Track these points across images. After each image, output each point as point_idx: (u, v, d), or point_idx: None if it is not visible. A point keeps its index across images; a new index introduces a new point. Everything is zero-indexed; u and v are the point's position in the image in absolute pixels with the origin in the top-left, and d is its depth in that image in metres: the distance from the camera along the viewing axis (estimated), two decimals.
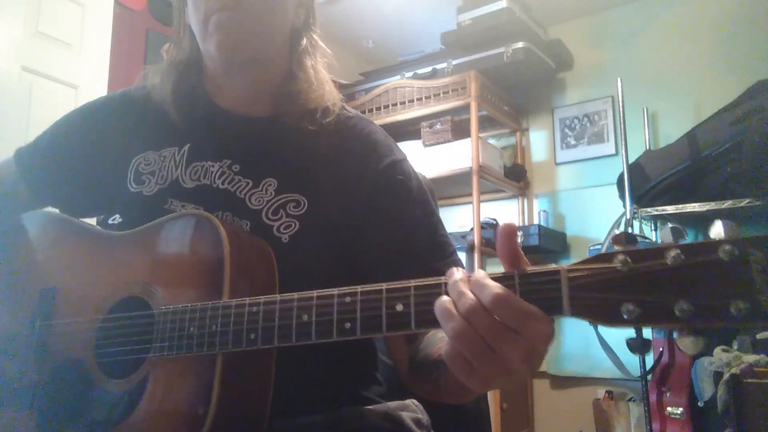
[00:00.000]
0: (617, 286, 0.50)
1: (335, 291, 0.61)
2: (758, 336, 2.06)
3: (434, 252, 0.85)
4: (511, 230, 0.55)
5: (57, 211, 0.98)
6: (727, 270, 0.46)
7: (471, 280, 0.54)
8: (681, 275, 0.47)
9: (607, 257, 0.50)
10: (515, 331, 0.52)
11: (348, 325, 0.59)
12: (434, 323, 0.56)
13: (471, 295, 0.53)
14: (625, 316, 0.48)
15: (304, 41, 0.93)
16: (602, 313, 0.50)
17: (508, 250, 0.55)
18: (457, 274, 0.56)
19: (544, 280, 0.53)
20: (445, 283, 0.57)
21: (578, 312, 0.51)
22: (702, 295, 0.46)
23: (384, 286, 0.59)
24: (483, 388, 0.56)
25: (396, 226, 0.85)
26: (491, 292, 0.52)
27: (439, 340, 0.74)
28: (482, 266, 2.74)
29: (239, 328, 0.65)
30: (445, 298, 0.55)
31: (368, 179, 0.86)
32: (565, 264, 0.52)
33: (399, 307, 0.57)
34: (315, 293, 0.62)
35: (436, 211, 0.91)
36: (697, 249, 0.47)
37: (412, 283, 0.58)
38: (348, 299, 0.60)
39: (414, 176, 0.91)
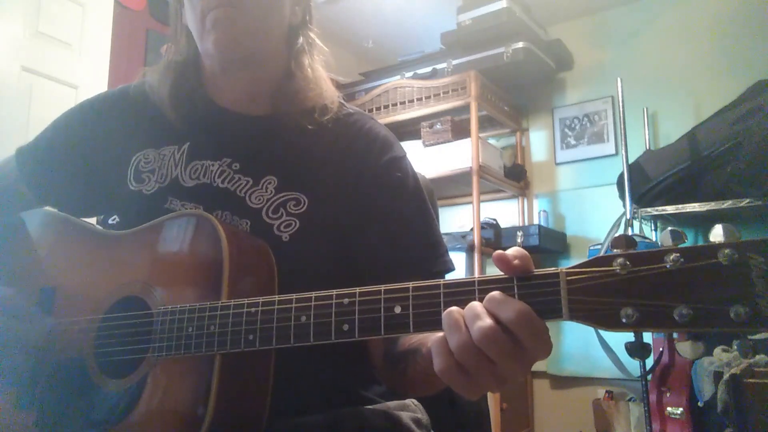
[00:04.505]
0: (616, 290, 0.49)
1: (333, 292, 0.61)
2: (755, 337, 2.06)
3: (425, 251, 0.85)
4: (501, 260, 0.54)
5: (56, 210, 0.98)
6: (727, 274, 0.46)
7: (487, 298, 0.53)
8: (680, 279, 0.47)
9: (606, 260, 0.50)
10: (525, 348, 0.52)
11: (346, 326, 0.59)
12: (432, 325, 0.56)
13: (488, 320, 0.52)
14: (624, 321, 0.48)
15: (301, 39, 0.93)
16: (601, 318, 0.50)
17: (511, 271, 0.54)
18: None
19: (543, 284, 0.52)
20: (444, 285, 0.56)
21: (577, 316, 0.50)
22: (701, 300, 0.46)
23: (382, 287, 0.59)
24: (475, 396, 0.56)
25: (389, 223, 0.85)
26: (516, 308, 0.51)
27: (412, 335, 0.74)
28: (482, 266, 2.73)
29: (237, 329, 0.65)
30: (454, 309, 0.54)
31: (367, 174, 0.87)
32: (564, 267, 0.52)
33: (397, 309, 0.57)
34: (313, 294, 0.62)
35: (431, 211, 0.91)
36: (696, 252, 0.47)
37: (410, 284, 0.58)
38: (346, 301, 0.60)
39: (412, 174, 0.91)
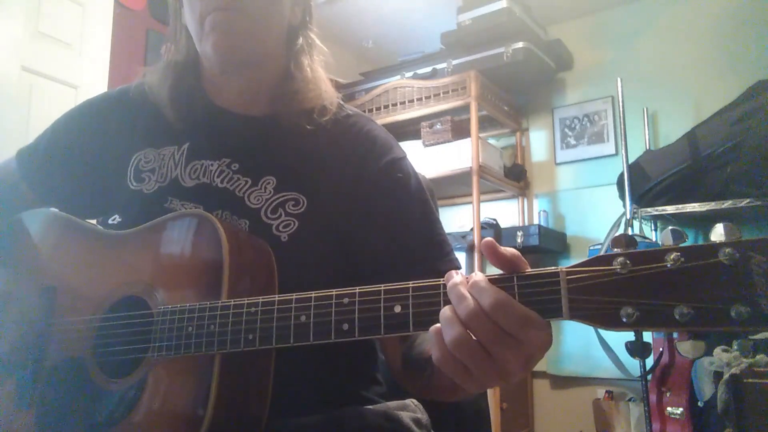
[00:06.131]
0: (616, 289, 0.49)
1: (333, 292, 0.61)
2: (756, 336, 2.05)
3: (432, 251, 0.85)
4: (490, 246, 0.55)
5: (58, 210, 0.98)
6: (728, 273, 0.46)
7: (470, 284, 0.54)
8: (681, 278, 0.47)
9: (606, 259, 0.50)
10: (514, 337, 0.52)
11: (346, 326, 0.59)
12: (432, 324, 0.56)
13: (471, 300, 0.53)
14: (625, 320, 0.48)
15: (301, 40, 0.93)
16: (601, 317, 0.50)
17: (499, 262, 0.55)
18: (456, 277, 0.56)
19: (543, 283, 0.52)
20: (444, 285, 0.56)
21: (577, 315, 0.50)
22: (702, 299, 0.46)
23: (382, 287, 0.59)
24: (479, 389, 0.56)
25: (394, 225, 0.85)
26: (491, 297, 0.52)
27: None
28: (482, 267, 2.73)
29: (237, 328, 0.65)
30: (449, 307, 0.54)
31: (367, 177, 0.86)
32: (564, 266, 0.52)
33: (397, 309, 0.57)
34: (313, 294, 0.62)
35: (434, 210, 0.91)
36: (697, 252, 0.47)
37: (410, 284, 0.58)
38: (346, 300, 0.60)
39: (413, 175, 0.91)
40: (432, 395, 0.78)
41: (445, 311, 0.54)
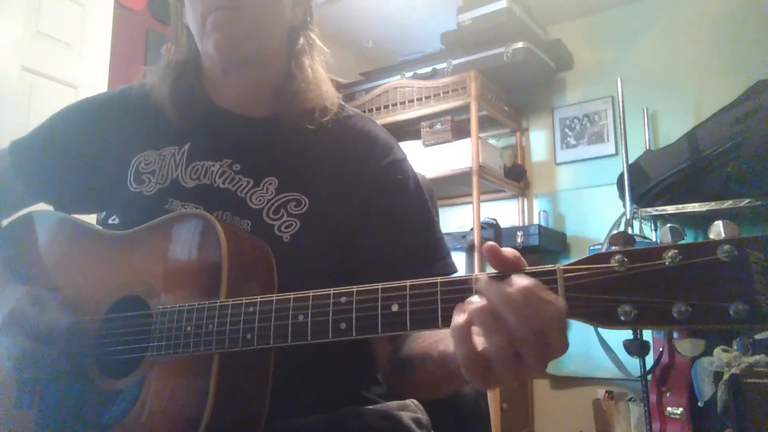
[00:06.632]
0: (614, 286, 0.49)
1: (331, 291, 0.61)
2: (757, 336, 2.05)
3: (428, 253, 0.86)
4: (492, 250, 0.54)
5: (52, 208, 0.98)
6: (727, 271, 0.45)
7: (521, 288, 0.50)
8: (679, 276, 0.47)
9: (604, 257, 0.50)
10: (551, 342, 0.50)
11: (343, 325, 0.59)
12: (429, 323, 0.56)
13: (532, 309, 0.50)
14: (622, 318, 0.48)
15: (302, 40, 0.93)
16: (599, 315, 0.49)
17: (502, 267, 0.54)
18: (503, 282, 0.52)
19: (540, 280, 0.52)
20: (441, 283, 0.56)
21: (574, 313, 0.50)
22: (700, 297, 0.46)
23: (380, 286, 0.59)
24: (488, 387, 0.55)
25: (392, 227, 0.85)
26: (555, 307, 0.49)
27: (418, 337, 0.74)
28: (482, 266, 2.73)
29: (235, 327, 0.65)
30: (497, 307, 0.50)
31: (367, 178, 0.87)
32: (562, 264, 0.52)
33: (394, 308, 0.57)
34: (311, 293, 0.62)
35: (432, 212, 0.91)
36: (695, 249, 0.47)
37: (408, 283, 0.58)
38: (344, 299, 0.60)
39: (413, 176, 0.91)
40: (413, 392, 0.79)
41: (494, 316, 0.51)
